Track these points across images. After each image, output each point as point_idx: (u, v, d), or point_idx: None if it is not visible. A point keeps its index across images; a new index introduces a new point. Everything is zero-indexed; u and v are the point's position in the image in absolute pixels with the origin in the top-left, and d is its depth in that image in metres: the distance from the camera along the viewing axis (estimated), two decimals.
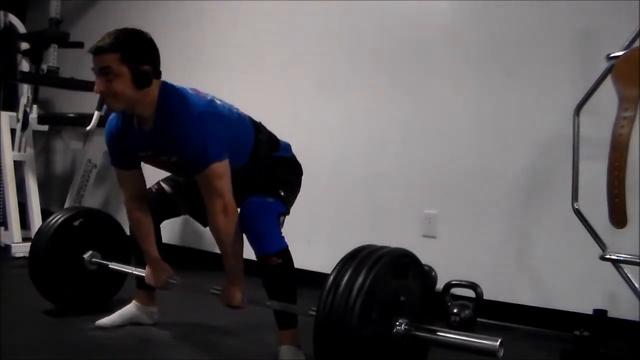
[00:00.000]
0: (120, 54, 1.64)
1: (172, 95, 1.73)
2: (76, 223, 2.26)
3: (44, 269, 2.18)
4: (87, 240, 2.27)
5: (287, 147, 2.00)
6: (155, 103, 1.72)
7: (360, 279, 1.26)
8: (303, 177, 1.99)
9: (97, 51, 1.64)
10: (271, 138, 1.96)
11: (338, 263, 1.34)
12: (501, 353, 1.27)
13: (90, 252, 2.25)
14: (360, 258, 1.33)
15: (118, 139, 1.83)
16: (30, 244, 2.28)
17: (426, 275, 1.55)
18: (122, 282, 2.36)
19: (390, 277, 1.35)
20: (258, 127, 1.92)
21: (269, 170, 1.90)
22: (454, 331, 1.42)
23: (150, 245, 1.95)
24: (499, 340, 1.27)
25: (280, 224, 1.83)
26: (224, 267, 1.78)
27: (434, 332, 1.39)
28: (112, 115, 1.86)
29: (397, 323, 1.35)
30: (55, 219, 2.25)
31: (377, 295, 1.29)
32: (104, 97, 1.68)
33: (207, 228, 1.82)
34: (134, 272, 2.09)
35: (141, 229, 1.94)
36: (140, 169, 1.91)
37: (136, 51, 1.67)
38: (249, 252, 1.80)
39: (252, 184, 1.84)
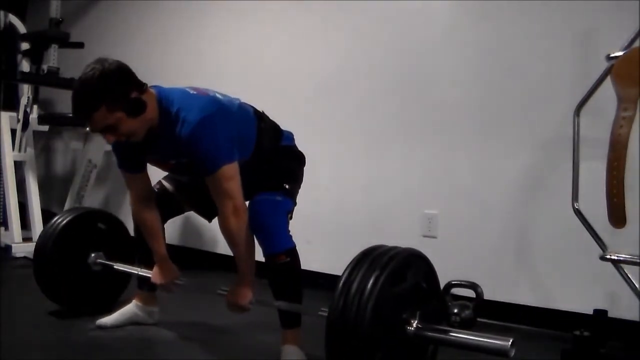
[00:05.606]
0: (105, 105, 1.57)
1: (173, 101, 1.70)
2: (80, 226, 2.25)
3: (49, 271, 2.17)
4: (91, 241, 2.27)
5: (290, 136, 1.99)
6: (157, 112, 1.70)
7: (372, 281, 1.25)
8: (304, 175, 1.99)
9: (84, 118, 1.60)
10: (275, 128, 1.94)
11: (350, 263, 1.33)
12: (512, 353, 1.26)
13: (94, 254, 2.25)
14: (372, 258, 1.32)
15: (125, 145, 1.80)
16: (31, 244, 2.27)
17: (435, 275, 1.56)
18: (127, 282, 2.36)
19: (401, 279, 1.34)
20: (261, 117, 1.91)
21: (273, 161, 1.89)
22: (464, 331, 1.41)
23: (160, 244, 1.95)
24: (511, 340, 1.26)
25: (288, 222, 1.84)
26: (236, 269, 1.78)
27: (444, 332, 1.39)
28: None
29: (409, 323, 1.34)
30: (59, 220, 2.24)
31: (388, 297, 1.28)
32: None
33: (212, 228, 1.82)
34: (139, 273, 2.09)
35: (150, 228, 1.94)
36: (146, 170, 1.91)
37: (115, 90, 1.59)
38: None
39: (258, 177, 1.82)
